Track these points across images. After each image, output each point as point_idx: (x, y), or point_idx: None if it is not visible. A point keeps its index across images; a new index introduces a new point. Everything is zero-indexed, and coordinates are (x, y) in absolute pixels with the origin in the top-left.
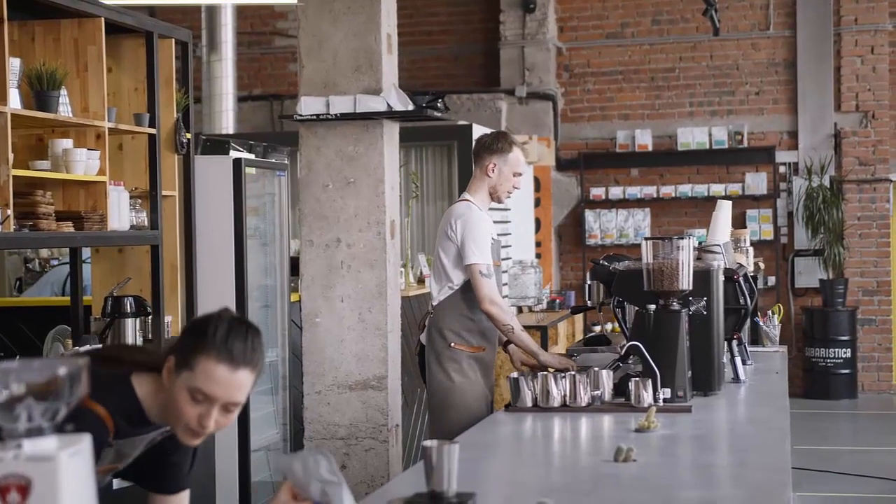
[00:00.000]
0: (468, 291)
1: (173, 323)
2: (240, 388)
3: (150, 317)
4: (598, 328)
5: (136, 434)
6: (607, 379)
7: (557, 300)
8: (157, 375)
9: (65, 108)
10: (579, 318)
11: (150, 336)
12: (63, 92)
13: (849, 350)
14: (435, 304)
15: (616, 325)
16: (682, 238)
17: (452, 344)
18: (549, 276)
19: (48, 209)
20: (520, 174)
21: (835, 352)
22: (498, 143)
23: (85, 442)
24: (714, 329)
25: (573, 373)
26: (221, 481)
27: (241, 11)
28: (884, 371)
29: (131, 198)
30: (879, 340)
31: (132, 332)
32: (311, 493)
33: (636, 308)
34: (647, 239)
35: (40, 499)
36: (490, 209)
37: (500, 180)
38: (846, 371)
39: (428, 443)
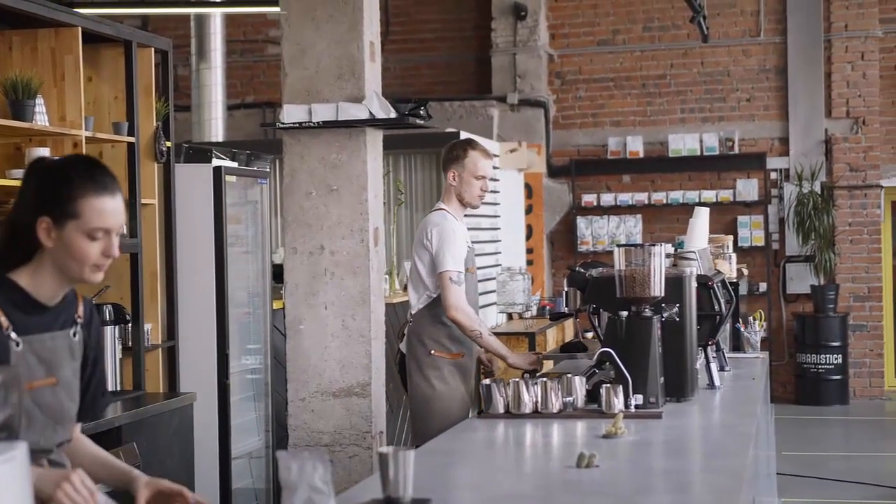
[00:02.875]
0: None
1: (153, 331)
2: (123, 212)
3: (129, 325)
4: (590, 335)
5: (39, 328)
6: (580, 385)
7: (548, 307)
8: (29, 263)
9: (41, 117)
10: (570, 324)
11: (129, 344)
12: (39, 101)
13: (840, 356)
14: (413, 312)
15: None
16: (654, 245)
17: (433, 351)
18: (540, 283)
19: None
20: (482, 177)
21: (826, 357)
22: (453, 151)
23: (20, 449)
24: (687, 335)
25: (545, 379)
26: (201, 488)
27: (233, 20)
28: (875, 377)
29: None
30: (871, 346)
31: (111, 340)
32: (295, 499)
33: (608, 314)
34: (619, 246)
35: None
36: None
37: (464, 186)
38: (837, 377)
39: (383, 449)
